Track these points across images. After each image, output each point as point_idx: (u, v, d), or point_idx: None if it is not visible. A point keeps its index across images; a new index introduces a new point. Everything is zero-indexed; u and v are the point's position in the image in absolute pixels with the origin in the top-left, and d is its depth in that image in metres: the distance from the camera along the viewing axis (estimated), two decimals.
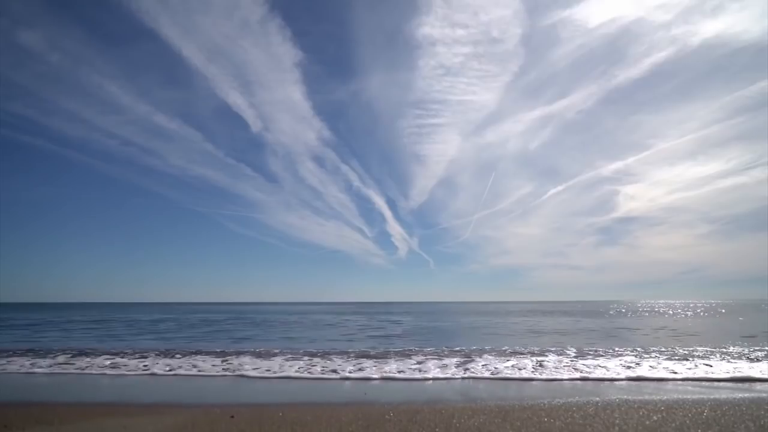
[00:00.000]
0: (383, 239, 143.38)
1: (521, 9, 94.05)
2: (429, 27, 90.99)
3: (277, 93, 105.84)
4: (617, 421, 5.43)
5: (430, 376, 9.25)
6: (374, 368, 10.01)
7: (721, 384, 8.32)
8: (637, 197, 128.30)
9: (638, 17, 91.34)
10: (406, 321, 33.22)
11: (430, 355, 12.37)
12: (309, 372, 9.74)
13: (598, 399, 6.81)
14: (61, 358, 12.13)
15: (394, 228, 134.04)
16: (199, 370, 10.09)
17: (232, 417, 5.80)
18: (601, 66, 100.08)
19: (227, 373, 9.85)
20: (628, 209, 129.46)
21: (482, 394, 7.56)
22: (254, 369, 10.16)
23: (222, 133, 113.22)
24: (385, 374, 9.38)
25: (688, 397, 7.04)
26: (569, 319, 33.61)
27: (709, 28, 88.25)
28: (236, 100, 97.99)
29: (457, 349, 13.85)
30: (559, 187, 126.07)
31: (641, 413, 5.83)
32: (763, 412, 5.85)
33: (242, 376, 9.56)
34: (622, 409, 6.09)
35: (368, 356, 12.16)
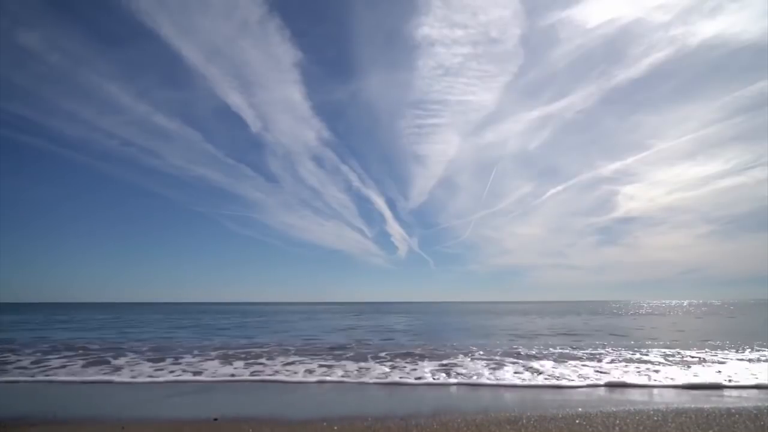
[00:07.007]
0: (383, 239, 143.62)
1: (520, 9, 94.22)
2: (428, 27, 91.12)
3: (276, 93, 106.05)
4: (617, 422, 5.30)
5: None
6: None
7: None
8: (636, 197, 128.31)
9: (637, 18, 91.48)
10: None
11: None
12: None
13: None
14: None
15: (394, 228, 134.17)
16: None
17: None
18: (600, 66, 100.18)
19: None
20: (628, 209, 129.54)
21: None
22: None
23: (222, 133, 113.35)
24: None
25: (689, 397, 6.92)
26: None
27: (707, 29, 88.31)
28: (236, 100, 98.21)
29: None
30: (559, 187, 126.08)
31: (642, 414, 5.68)
32: (762, 413, 5.74)
33: None
34: (623, 409, 5.94)
35: None
